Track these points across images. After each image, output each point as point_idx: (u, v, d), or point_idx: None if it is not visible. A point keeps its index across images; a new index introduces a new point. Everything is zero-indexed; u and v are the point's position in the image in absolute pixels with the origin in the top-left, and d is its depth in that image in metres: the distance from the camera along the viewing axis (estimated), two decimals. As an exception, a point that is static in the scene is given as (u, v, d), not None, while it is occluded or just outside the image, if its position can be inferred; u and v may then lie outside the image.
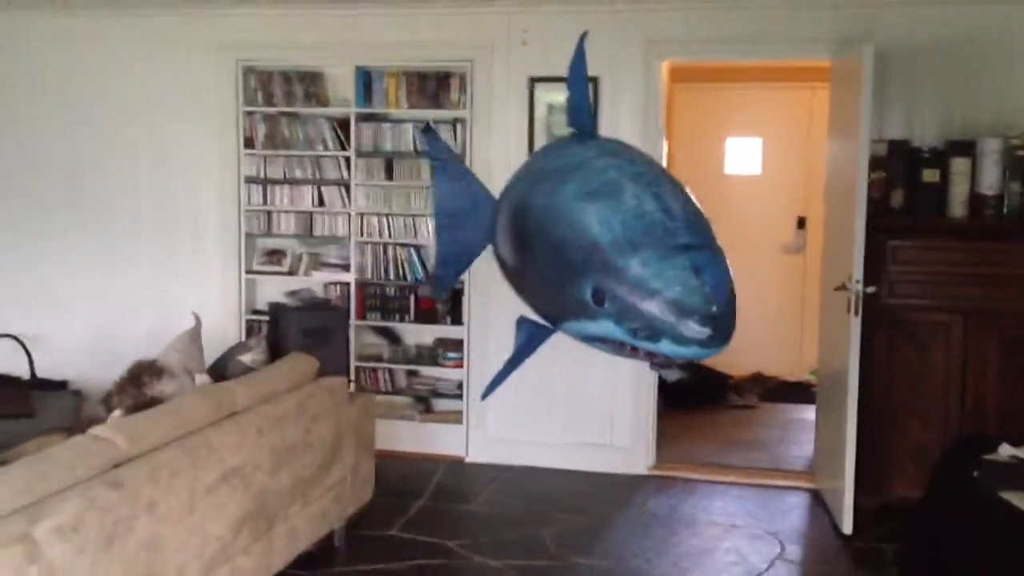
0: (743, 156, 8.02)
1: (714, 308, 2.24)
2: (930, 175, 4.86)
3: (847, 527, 4.73)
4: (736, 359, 7.81)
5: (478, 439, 5.86)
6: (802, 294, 7.63)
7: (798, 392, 7.36)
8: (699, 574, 4.35)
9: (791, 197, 7.83)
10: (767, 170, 7.96)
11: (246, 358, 4.36)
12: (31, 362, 6.09)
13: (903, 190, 4.95)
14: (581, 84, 2.71)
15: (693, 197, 2.48)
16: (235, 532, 3.59)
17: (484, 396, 2.94)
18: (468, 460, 5.85)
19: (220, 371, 4.36)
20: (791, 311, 7.74)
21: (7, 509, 2.69)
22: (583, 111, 2.72)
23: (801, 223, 7.84)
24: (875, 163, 5.00)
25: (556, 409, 5.76)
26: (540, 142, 5.66)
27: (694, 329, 2.20)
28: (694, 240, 2.30)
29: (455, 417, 5.94)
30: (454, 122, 5.85)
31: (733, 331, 2.24)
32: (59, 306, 6.41)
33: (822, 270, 5.39)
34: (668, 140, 7.91)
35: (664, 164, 5.84)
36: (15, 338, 6.19)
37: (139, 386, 3.97)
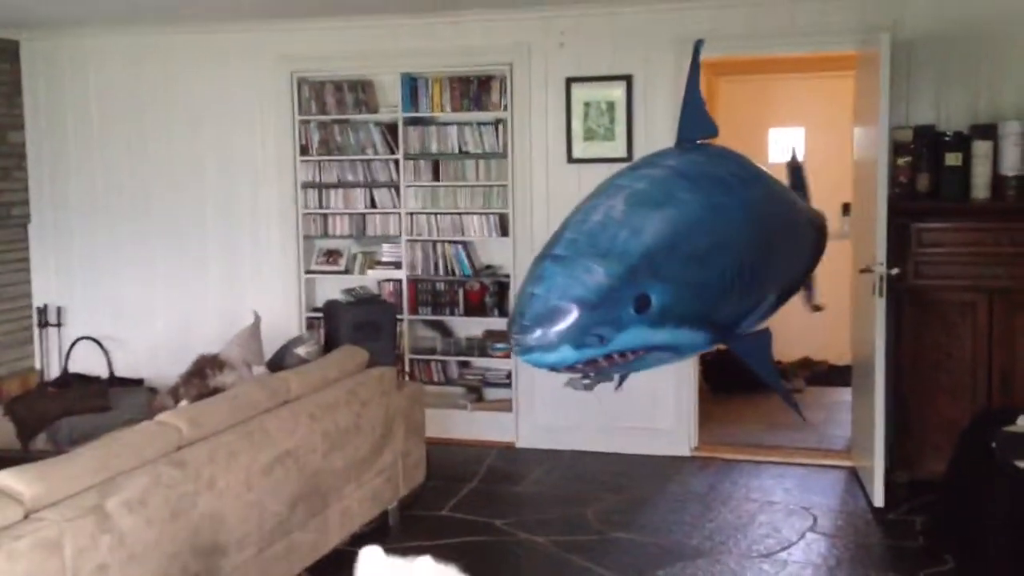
0: (786, 146, 8.15)
1: (524, 317, 2.33)
2: (953, 159, 4.99)
3: (879, 500, 4.90)
4: (784, 344, 7.96)
5: (527, 425, 6.12)
6: (849, 279, 7.74)
7: (846, 376, 7.46)
8: (732, 546, 4.56)
9: (834, 184, 7.91)
10: (810, 158, 8.07)
11: (301, 350, 4.69)
12: (109, 362, 6.53)
13: (928, 174, 5.09)
14: (695, 93, 2.92)
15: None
16: (291, 509, 3.91)
17: (617, 387, 3.18)
18: (519, 445, 6.12)
19: (278, 363, 4.70)
20: (838, 296, 7.83)
21: (82, 485, 3.03)
22: (691, 122, 2.91)
23: (845, 209, 7.93)
24: (902, 149, 5.15)
25: (601, 395, 5.97)
26: (577, 140, 5.91)
27: (511, 333, 2.34)
28: (560, 251, 2.42)
29: (505, 405, 6.21)
30: (496, 123, 6.13)
31: (551, 347, 2.29)
32: (135, 310, 6.81)
33: (853, 254, 5.55)
34: (711, 133, 8.10)
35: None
36: (95, 340, 6.64)
37: (203, 378, 4.33)
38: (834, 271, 7.83)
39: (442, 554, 4.58)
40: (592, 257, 2.39)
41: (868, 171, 5.00)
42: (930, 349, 4.98)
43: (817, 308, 4.32)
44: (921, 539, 4.58)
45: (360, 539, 4.53)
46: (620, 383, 3.11)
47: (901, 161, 5.12)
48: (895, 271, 4.82)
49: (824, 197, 8.16)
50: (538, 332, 2.30)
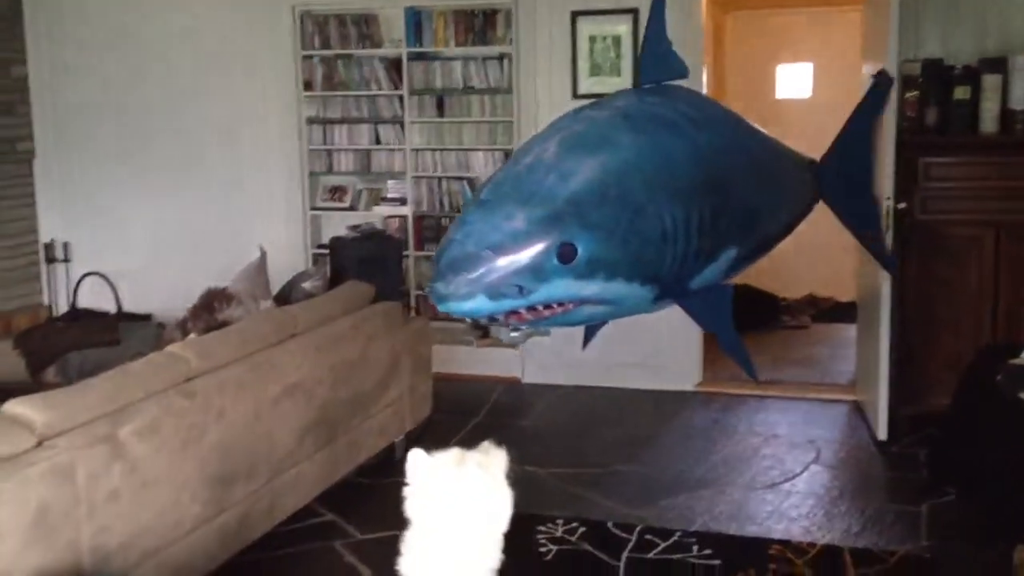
0: (794, 81, 8.10)
1: (440, 264, 2.23)
2: (962, 92, 4.95)
3: (882, 434, 4.94)
4: (789, 281, 7.97)
5: (533, 361, 6.16)
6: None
7: (852, 312, 7.47)
8: (736, 477, 4.61)
9: (842, 119, 7.89)
10: (817, 93, 8.03)
11: (307, 285, 4.71)
12: (117, 297, 6.56)
13: (937, 108, 5.04)
14: (658, 30, 2.78)
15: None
16: (299, 440, 3.95)
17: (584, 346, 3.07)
18: (524, 381, 6.16)
19: (284, 298, 4.72)
20: (845, 233, 7.84)
21: (95, 414, 3.06)
22: (654, 62, 2.74)
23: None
24: (910, 82, 5.10)
25: (608, 331, 5.99)
26: (583, 76, 5.86)
27: (433, 278, 2.24)
28: (485, 195, 2.32)
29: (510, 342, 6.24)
30: (500, 57, 6.08)
31: (465, 296, 2.18)
32: (142, 246, 6.82)
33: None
34: (720, 69, 8.03)
35: (704, 93, 5.99)
36: (102, 276, 6.66)
37: (211, 311, 4.35)
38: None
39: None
40: (514, 202, 2.27)
41: (876, 105, 4.95)
42: (935, 284, 4.98)
43: (890, 271, 4.08)
44: (924, 471, 4.62)
45: (368, 470, 4.59)
46: (587, 342, 2.97)
47: (909, 95, 5.08)
48: (902, 205, 4.80)
49: (831, 131, 8.16)
50: (452, 280, 2.21)
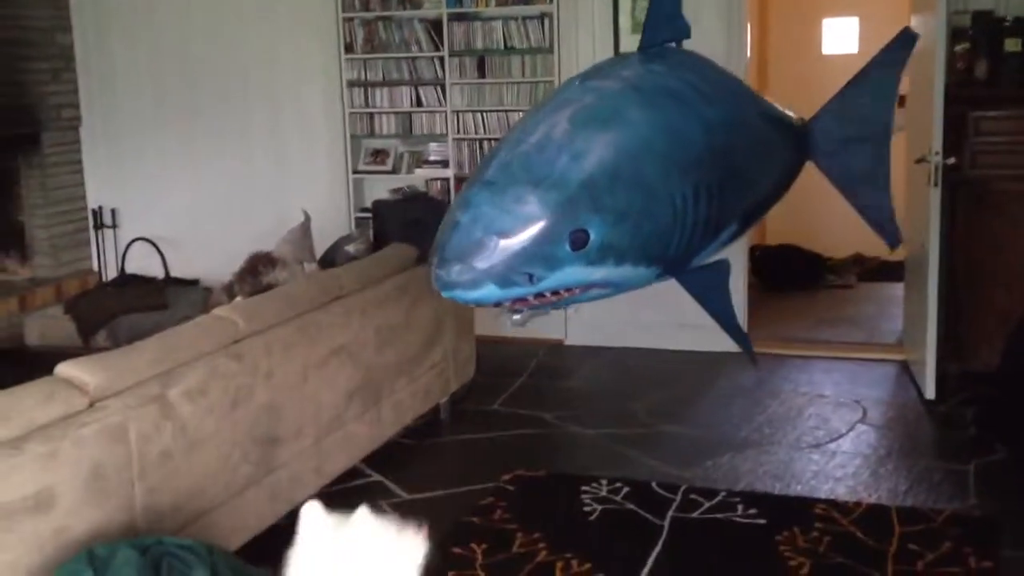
0: (840, 36, 7.95)
1: (446, 250, 2.09)
2: (1012, 44, 4.84)
3: (930, 392, 4.89)
4: (834, 240, 7.88)
5: (576, 323, 6.15)
6: (907, 173, 7.61)
7: (898, 271, 7.38)
8: (781, 437, 4.59)
9: (890, 76, 7.75)
10: (864, 48, 7.87)
11: (351, 248, 4.74)
12: (164, 262, 6.63)
13: (987, 61, 4.94)
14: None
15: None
16: (346, 401, 3.99)
17: None
18: (567, 343, 6.16)
19: (328, 261, 4.76)
20: (892, 190, 7.73)
21: (145, 375, 3.11)
22: (658, 22, 2.57)
23: (901, 101, 7.74)
24: (959, 35, 5.00)
25: (650, 291, 5.97)
26: (625, 34, 5.80)
27: (431, 264, 2.12)
28: (491, 175, 2.17)
29: (553, 302, 6.24)
30: (541, 16, 6.03)
31: (473, 284, 2.06)
32: (187, 211, 6.89)
33: (907, 145, 5.43)
34: (764, 23, 7.91)
35: (748, 51, 5.90)
36: (150, 241, 6.74)
37: (256, 275, 4.40)
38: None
39: (494, 446, 4.67)
40: (525, 184, 2.13)
41: (925, 59, 4.85)
42: (985, 240, 4.90)
43: (892, 244, 3.87)
44: (972, 429, 4.58)
45: (414, 432, 4.64)
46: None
47: (959, 47, 4.98)
48: (951, 161, 4.72)
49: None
50: (458, 267, 2.09)
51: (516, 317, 2.30)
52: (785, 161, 3.07)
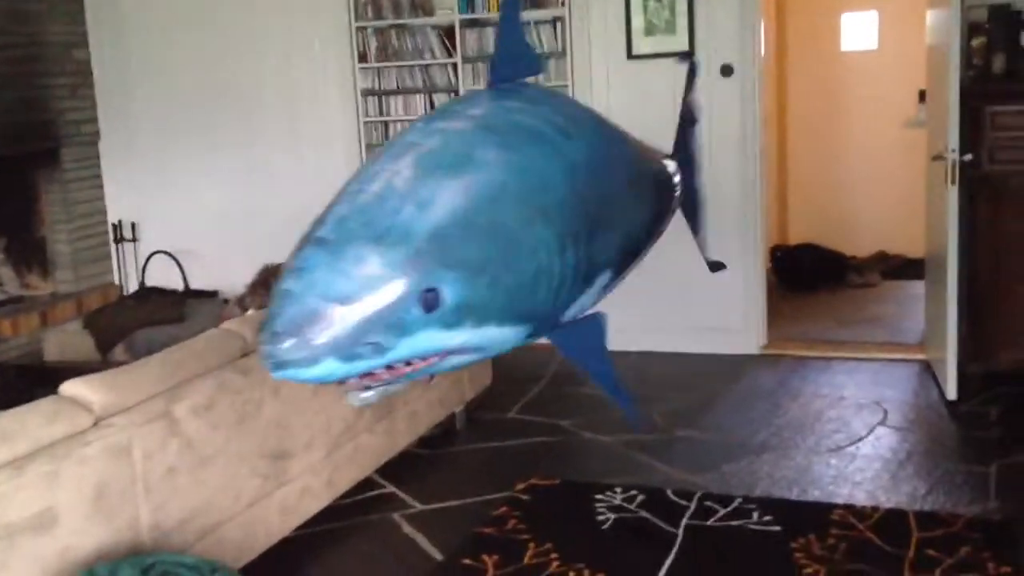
0: (859, 31, 7.86)
1: (275, 323, 1.86)
2: (1030, 37, 4.76)
3: (952, 393, 4.81)
4: (857, 239, 7.81)
5: (594, 327, 6.10)
6: (926, 170, 7.52)
7: (922, 269, 7.30)
8: (800, 441, 4.53)
9: (910, 71, 7.65)
10: (884, 44, 7.80)
11: (362, 258, 4.72)
12: (184, 275, 6.67)
13: (1004, 55, 4.86)
14: (512, 18, 2.43)
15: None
16: (357, 413, 3.98)
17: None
18: (586, 347, 6.11)
19: (341, 271, 4.74)
20: (915, 188, 7.62)
21: (151, 392, 3.12)
22: (508, 56, 2.37)
23: (922, 96, 7.65)
24: (976, 29, 4.93)
25: (668, 295, 5.94)
26: (638, 35, 5.76)
27: (261, 340, 1.88)
28: (326, 233, 1.96)
29: (571, 307, 6.20)
30: (553, 21, 6.00)
31: (310, 360, 1.83)
32: (206, 223, 6.90)
33: (927, 142, 5.37)
34: (781, 19, 7.84)
35: (762, 48, 5.84)
36: (169, 254, 6.78)
37: (267, 287, 4.39)
38: (911, 161, 7.68)
39: (509, 454, 4.65)
40: (364, 241, 1.90)
41: (942, 54, 4.79)
42: (1005, 237, 4.82)
43: (717, 267, 3.74)
44: (995, 430, 4.50)
45: (429, 441, 4.62)
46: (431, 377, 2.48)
47: (975, 42, 4.90)
48: (967, 157, 4.64)
49: (899, 83, 7.94)
50: (292, 342, 1.84)
51: (364, 395, 2.04)
52: (657, 201, 2.88)
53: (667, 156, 3.23)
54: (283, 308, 1.88)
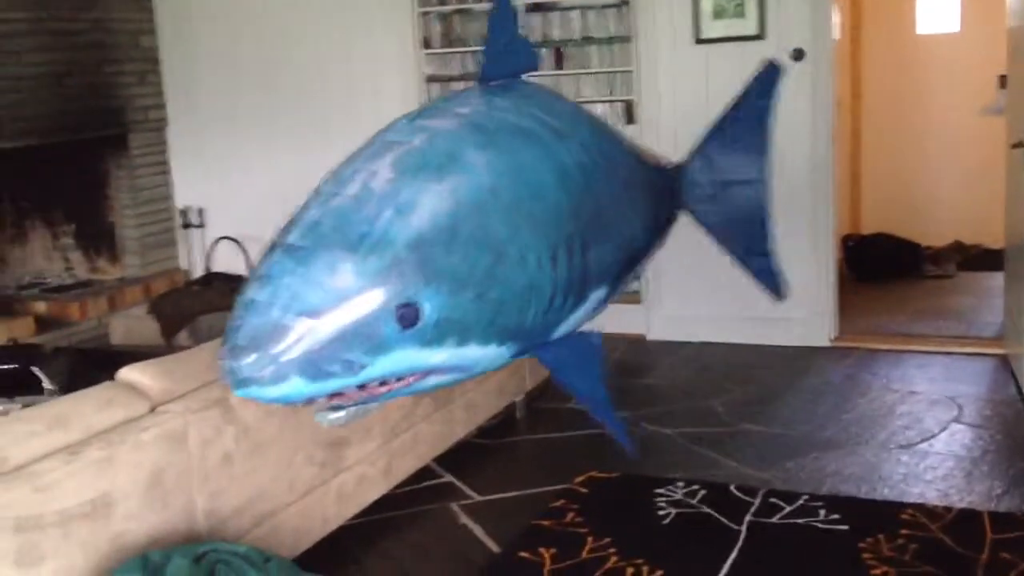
0: (938, 13, 7.61)
1: (238, 335, 1.71)
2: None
3: (1030, 390, 4.64)
4: (933, 228, 7.58)
5: (658, 317, 6.02)
6: (1007, 158, 7.27)
7: (1002, 260, 7.06)
8: (869, 437, 4.39)
9: (992, 55, 7.39)
10: (966, 27, 7.54)
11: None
12: (248, 261, 6.70)
13: (1092, 36, 4.64)
14: (504, 12, 2.28)
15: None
16: (415, 402, 3.94)
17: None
18: (649, 338, 6.03)
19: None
20: (994, 176, 7.37)
21: (207, 379, 3.10)
22: (499, 51, 2.25)
23: (1002, 82, 7.39)
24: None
25: (733, 285, 5.79)
26: (706, 19, 5.63)
27: (222, 354, 1.73)
28: (296, 239, 1.81)
29: (634, 297, 6.10)
30: (620, 4, 5.89)
31: (275, 378, 1.67)
32: (270, 210, 6.87)
33: (1008, 129, 5.16)
34: (856, 2, 7.62)
35: (835, 31, 5.67)
36: (234, 240, 6.82)
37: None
38: (991, 149, 7.42)
39: (568, 445, 4.58)
40: (338, 248, 1.76)
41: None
42: (1091, 228, 4.62)
43: (779, 296, 3.39)
44: (1075, 429, 4.33)
45: (488, 431, 4.58)
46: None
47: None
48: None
49: (979, 68, 7.67)
50: (254, 357, 1.70)
51: (334, 416, 1.90)
52: (656, 209, 2.68)
53: (671, 165, 3.02)
54: (246, 320, 1.75)
